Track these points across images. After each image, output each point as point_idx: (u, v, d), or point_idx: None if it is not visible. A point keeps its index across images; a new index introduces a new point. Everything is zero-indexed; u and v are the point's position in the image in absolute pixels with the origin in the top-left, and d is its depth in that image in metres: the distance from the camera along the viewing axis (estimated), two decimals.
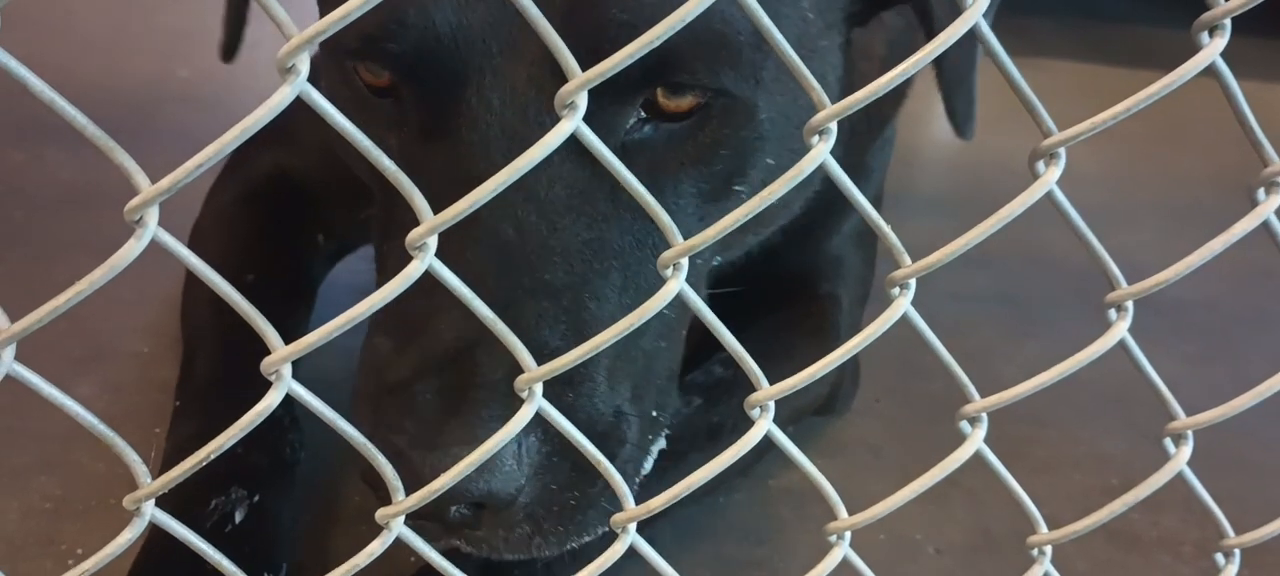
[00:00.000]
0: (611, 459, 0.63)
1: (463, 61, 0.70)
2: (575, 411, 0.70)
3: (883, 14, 0.90)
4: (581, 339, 0.68)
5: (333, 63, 0.79)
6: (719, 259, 0.89)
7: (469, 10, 0.70)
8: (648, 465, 0.80)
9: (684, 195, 0.76)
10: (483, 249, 0.70)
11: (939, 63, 0.79)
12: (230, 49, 1.03)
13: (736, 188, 0.77)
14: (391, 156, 0.63)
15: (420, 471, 0.63)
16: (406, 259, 0.48)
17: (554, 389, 0.64)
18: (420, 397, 0.67)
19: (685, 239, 0.51)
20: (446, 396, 0.67)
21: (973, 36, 0.49)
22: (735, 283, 0.92)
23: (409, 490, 0.55)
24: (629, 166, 0.50)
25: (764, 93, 0.75)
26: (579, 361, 0.52)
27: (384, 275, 0.79)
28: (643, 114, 0.72)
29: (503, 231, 0.70)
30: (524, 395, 0.53)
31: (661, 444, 0.82)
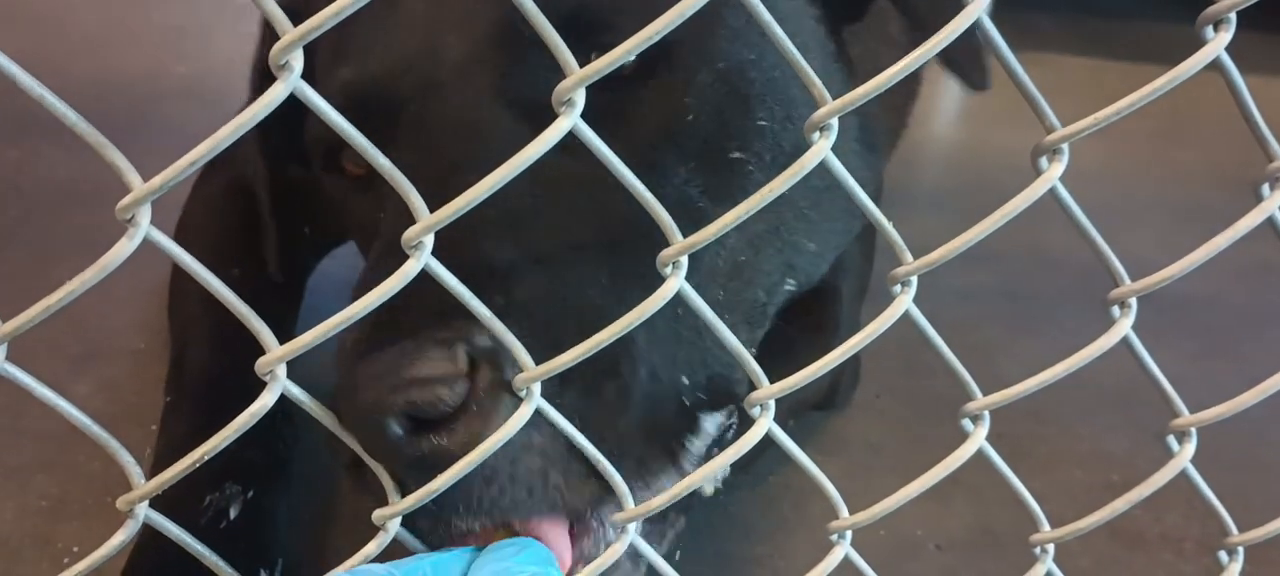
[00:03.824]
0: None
1: (397, 89, 0.73)
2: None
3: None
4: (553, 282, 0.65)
5: (328, 175, 0.85)
6: (792, 283, 0.84)
7: (393, 45, 0.74)
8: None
9: (669, 170, 0.72)
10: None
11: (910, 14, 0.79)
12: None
13: (733, 155, 0.74)
14: (374, 236, 0.61)
15: (355, 390, 0.57)
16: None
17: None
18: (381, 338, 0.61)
19: (686, 234, 0.51)
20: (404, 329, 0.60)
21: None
22: None
23: (353, 419, 0.56)
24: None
25: (718, 39, 0.73)
26: (579, 360, 0.51)
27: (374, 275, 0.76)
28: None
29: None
30: (522, 394, 0.52)
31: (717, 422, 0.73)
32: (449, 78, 0.72)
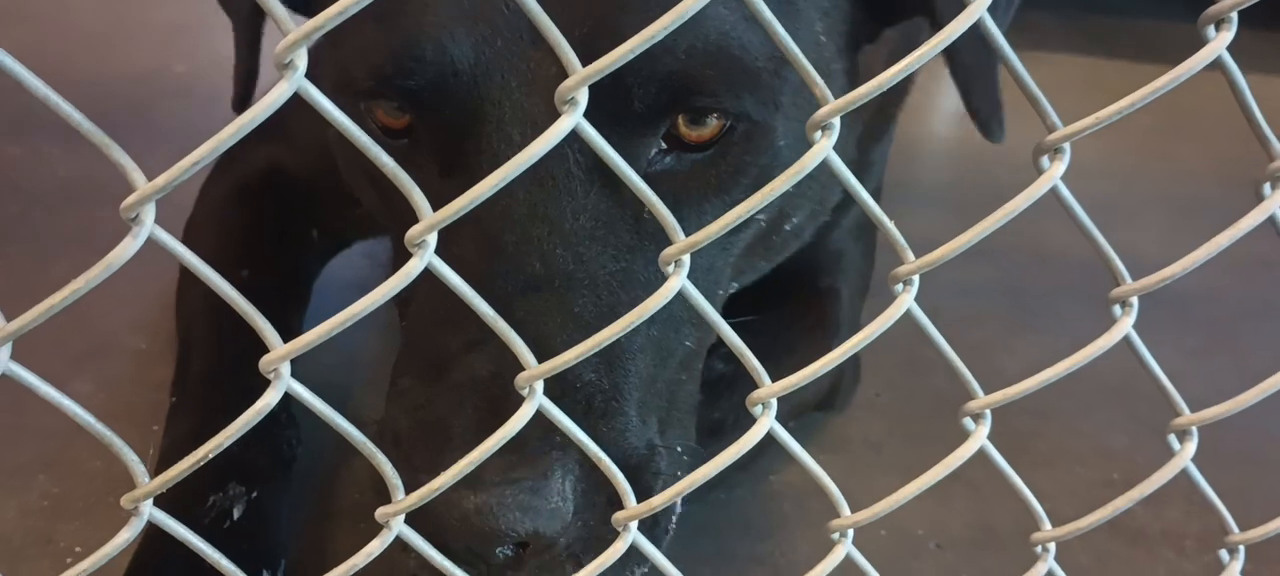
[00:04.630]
0: (648, 493, 0.64)
1: (480, 96, 0.69)
2: (609, 447, 0.65)
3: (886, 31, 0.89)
4: (614, 371, 0.70)
5: (347, 104, 0.79)
6: (736, 284, 0.87)
7: (486, 45, 0.69)
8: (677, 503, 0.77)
9: (706, 222, 0.74)
10: (509, 282, 0.68)
11: (952, 61, 0.79)
12: (242, 100, 1.00)
13: (757, 215, 0.77)
14: (406, 214, 0.62)
15: (467, 512, 0.63)
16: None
17: (588, 423, 0.64)
18: (457, 435, 0.66)
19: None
20: (483, 431, 0.63)
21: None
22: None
23: (455, 533, 0.58)
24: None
25: (783, 118, 0.75)
26: (580, 359, 0.51)
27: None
28: (664, 144, 0.72)
29: (528, 264, 0.69)
30: (524, 393, 0.52)
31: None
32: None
